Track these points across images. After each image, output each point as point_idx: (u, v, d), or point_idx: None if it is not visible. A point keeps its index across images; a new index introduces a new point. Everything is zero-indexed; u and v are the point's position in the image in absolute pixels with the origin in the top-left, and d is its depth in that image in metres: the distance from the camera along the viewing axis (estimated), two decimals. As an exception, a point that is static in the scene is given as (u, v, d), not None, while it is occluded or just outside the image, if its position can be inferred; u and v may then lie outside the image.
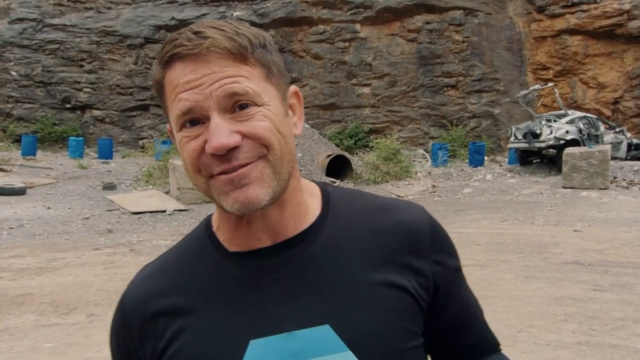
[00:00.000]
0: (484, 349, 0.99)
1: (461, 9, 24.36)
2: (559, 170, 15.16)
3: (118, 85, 25.58)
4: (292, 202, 0.87)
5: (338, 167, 16.06)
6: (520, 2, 24.65)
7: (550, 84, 20.56)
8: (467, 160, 20.10)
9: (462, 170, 18.15)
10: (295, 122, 0.88)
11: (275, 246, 0.86)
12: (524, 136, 17.18)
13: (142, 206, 12.47)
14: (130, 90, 25.65)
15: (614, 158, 16.27)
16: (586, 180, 14.03)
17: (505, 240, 8.35)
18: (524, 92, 19.16)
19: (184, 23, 24.89)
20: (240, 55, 0.79)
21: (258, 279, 0.85)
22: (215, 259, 0.88)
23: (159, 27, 25.34)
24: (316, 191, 0.93)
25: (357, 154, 21.50)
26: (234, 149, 0.77)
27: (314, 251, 0.86)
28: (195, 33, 0.78)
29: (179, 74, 0.78)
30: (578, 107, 22.02)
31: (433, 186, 15.56)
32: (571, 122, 17.18)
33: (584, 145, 15.98)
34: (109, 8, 25.86)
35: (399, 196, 13.68)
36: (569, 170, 14.37)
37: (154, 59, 25.22)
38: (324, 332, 0.81)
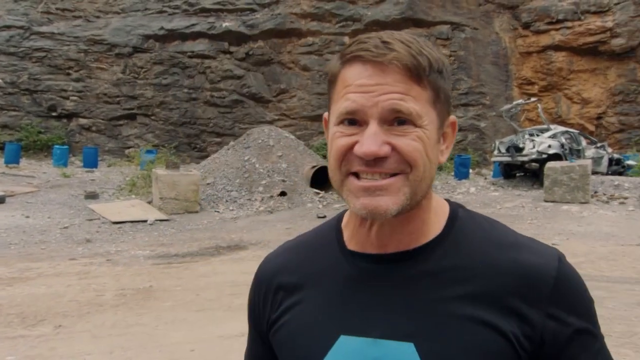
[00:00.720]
0: None
1: (448, 24, 24.59)
2: (541, 184, 15.26)
3: (105, 94, 25.47)
4: (417, 220, 0.89)
5: (323, 178, 16.06)
6: (507, 18, 24.95)
7: (533, 99, 20.77)
8: (452, 173, 20.17)
9: (447, 183, 18.20)
10: (443, 149, 0.90)
11: (387, 255, 0.89)
12: (507, 150, 17.30)
13: (123, 215, 12.38)
14: (118, 99, 25.55)
15: (595, 172, 16.43)
16: (567, 194, 14.12)
17: None
18: (508, 106, 19.33)
19: (172, 33, 24.94)
20: (416, 74, 0.81)
21: (363, 281, 0.89)
22: (335, 252, 0.94)
23: (147, 37, 25.32)
24: (445, 210, 0.93)
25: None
26: (381, 158, 0.80)
27: (419, 271, 0.87)
28: (384, 42, 0.82)
29: (355, 75, 0.83)
30: (563, 122, 22.26)
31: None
32: (553, 136, 17.32)
33: (566, 159, 16.12)
34: (98, 17, 25.80)
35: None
36: (551, 184, 14.46)
37: (142, 68, 25.23)
38: (407, 349, 0.82)
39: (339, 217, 0.98)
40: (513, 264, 0.85)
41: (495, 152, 17.93)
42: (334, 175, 0.85)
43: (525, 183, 17.26)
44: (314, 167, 16.18)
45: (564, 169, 14.36)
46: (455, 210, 0.93)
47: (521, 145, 16.98)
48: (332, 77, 0.87)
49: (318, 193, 15.48)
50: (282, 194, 15.07)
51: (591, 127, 23.14)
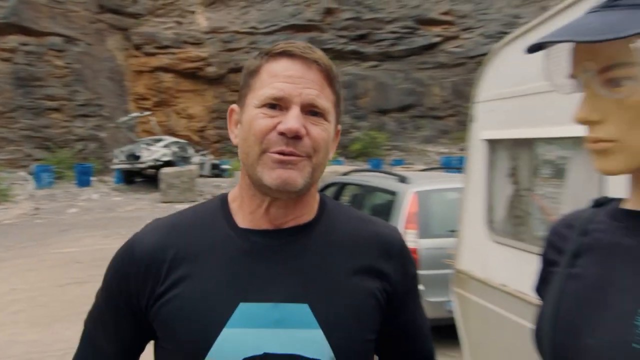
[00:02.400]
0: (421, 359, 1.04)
1: (61, 36, 22.94)
2: (158, 188, 15.77)
3: None
4: (305, 202, 0.92)
5: None
6: (119, 38, 24.86)
7: (147, 113, 21.36)
8: (74, 181, 19.02)
9: (69, 191, 17.09)
10: (333, 147, 0.94)
11: (277, 231, 0.89)
12: (127, 158, 17.37)
13: None
14: None
15: (200, 176, 17.89)
16: (180, 195, 15.14)
17: (107, 255, 7.41)
18: (125, 118, 19.47)
19: None
20: (330, 79, 0.87)
21: (258, 254, 0.87)
22: (224, 230, 0.90)
23: None
24: (316, 196, 0.96)
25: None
26: (297, 139, 0.82)
27: (306, 243, 0.90)
28: (307, 46, 0.86)
29: (284, 67, 0.84)
30: (173, 133, 23.39)
31: (36, 208, 14.15)
32: (166, 146, 18.14)
33: (177, 165, 17.04)
34: None
35: (-1, 221, 12.00)
36: (166, 187, 15.25)
37: None
38: (303, 310, 0.84)
39: (223, 201, 0.94)
40: (374, 235, 0.95)
41: (116, 160, 17.79)
42: (251, 150, 0.84)
43: (144, 187, 17.54)
44: None
45: (176, 174, 15.33)
46: (323, 196, 0.98)
47: (139, 154, 17.25)
48: (255, 68, 0.87)
49: None
50: None
51: (196, 138, 25.09)
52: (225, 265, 0.86)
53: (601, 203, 0.83)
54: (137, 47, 24.89)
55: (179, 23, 25.52)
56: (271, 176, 0.82)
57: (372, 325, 0.90)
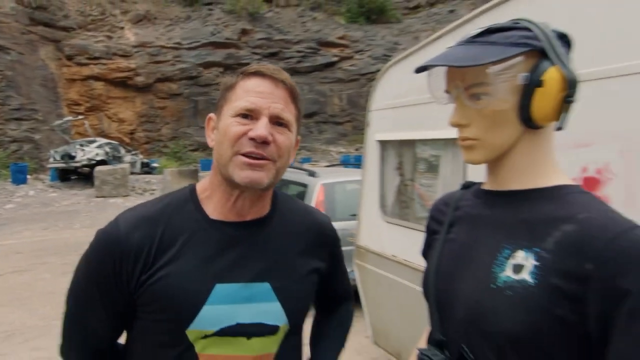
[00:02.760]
0: (341, 299, 1.15)
1: (-8, 45, 20.37)
2: (93, 184, 14.78)
3: None
4: (266, 197, 0.93)
5: None
6: (52, 49, 22.57)
7: (80, 117, 19.91)
8: (10, 180, 17.05)
9: (5, 188, 15.29)
10: (293, 154, 0.94)
11: (244, 223, 0.90)
12: (62, 157, 15.99)
13: None
14: None
15: (132, 173, 17.01)
16: (113, 190, 14.19)
17: (46, 245, 7.52)
18: (59, 122, 17.86)
19: None
20: (293, 96, 0.89)
21: (229, 242, 0.88)
22: (199, 220, 0.89)
23: None
24: (271, 192, 0.96)
25: None
26: (265, 144, 0.83)
27: (267, 232, 0.92)
28: (275, 69, 0.88)
29: (255, 84, 0.85)
30: (106, 135, 21.86)
31: (-29, 206, 12.54)
32: (99, 146, 17.01)
33: (110, 164, 16.09)
34: None
35: None
36: (100, 184, 14.21)
37: None
38: (265, 287, 0.88)
39: (192, 190, 0.93)
40: (315, 224, 0.99)
41: (51, 160, 16.29)
42: (224, 152, 0.84)
43: (80, 184, 16.27)
44: None
45: (109, 172, 14.34)
46: (275, 190, 0.98)
47: (74, 154, 16.01)
48: (232, 84, 0.88)
49: None
50: None
51: (127, 140, 23.56)
52: (203, 251, 0.87)
53: (468, 186, 0.92)
54: (69, 58, 22.74)
55: (109, 37, 23.67)
56: (240, 175, 0.83)
57: (313, 294, 0.98)
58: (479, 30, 0.76)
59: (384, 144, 3.03)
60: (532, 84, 0.72)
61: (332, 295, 1.12)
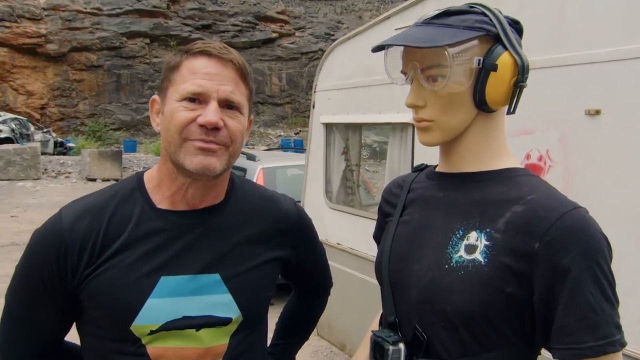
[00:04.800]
0: (317, 290, 1.17)
1: None
2: (-5, 166, 13.56)
3: None
4: (219, 183, 0.91)
5: None
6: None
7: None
8: None
9: None
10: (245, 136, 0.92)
11: (193, 211, 0.89)
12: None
13: None
14: None
15: (44, 153, 15.80)
16: (21, 172, 13.11)
17: None
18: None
19: None
20: (244, 76, 0.86)
21: (176, 232, 0.87)
22: (145, 211, 0.87)
23: None
24: (227, 177, 0.94)
25: None
26: (216, 130, 0.82)
27: (218, 221, 0.90)
28: (224, 47, 0.86)
29: (202, 65, 0.83)
30: (12, 110, 20.08)
31: None
32: (4, 122, 15.64)
33: (18, 142, 14.86)
34: None
35: None
36: (5, 165, 13.05)
37: None
38: (215, 279, 0.87)
39: (139, 181, 0.90)
40: (274, 211, 0.98)
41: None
42: (172, 139, 0.82)
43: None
44: None
45: (16, 151, 13.21)
46: (232, 176, 0.97)
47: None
48: (176, 64, 0.85)
49: None
50: None
51: (37, 115, 21.83)
52: (148, 243, 0.86)
53: (421, 168, 0.96)
54: (-37, 18, 20.52)
55: (14, -4, 21.59)
56: (192, 162, 0.82)
57: (271, 285, 0.96)
58: (436, 12, 0.79)
59: (329, 126, 3.05)
60: (486, 68, 0.76)
61: (304, 288, 1.16)
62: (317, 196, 3.11)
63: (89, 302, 0.85)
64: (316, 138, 3.11)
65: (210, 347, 0.87)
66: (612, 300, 0.69)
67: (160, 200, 0.89)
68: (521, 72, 0.77)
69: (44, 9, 21.95)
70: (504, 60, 0.76)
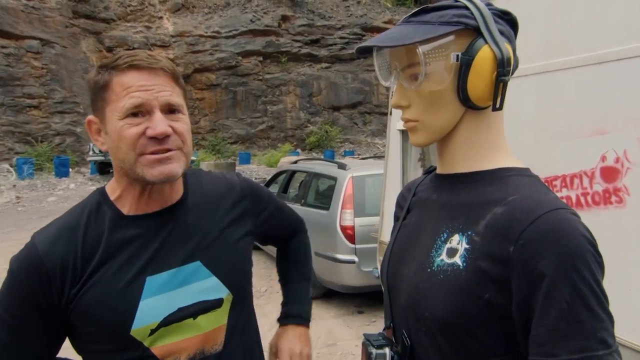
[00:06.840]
0: (292, 233, 1.25)
1: (37, 39, 21.84)
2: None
3: None
4: (178, 182, 0.96)
5: None
6: (92, 41, 23.87)
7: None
8: (53, 173, 18.30)
9: (48, 181, 16.45)
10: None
11: (160, 211, 0.93)
12: (100, 150, 16.85)
13: None
14: None
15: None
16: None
17: None
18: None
19: None
20: (176, 78, 0.89)
21: (149, 234, 0.90)
22: (114, 221, 0.90)
23: None
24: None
25: None
26: (166, 137, 0.84)
27: (184, 214, 0.95)
28: (150, 55, 0.86)
29: (134, 79, 0.84)
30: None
31: (17, 197, 13.58)
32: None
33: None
34: None
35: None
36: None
37: None
38: (197, 266, 0.92)
39: (103, 195, 0.94)
40: (225, 186, 1.04)
41: (90, 153, 17.30)
42: (125, 157, 0.84)
43: (119, 177, 17.10)
44: None
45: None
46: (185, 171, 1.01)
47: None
48: (105, 84, 0.86)
49: None
50: None
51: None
52: (126, 250, 0.88)
53: (430, 171, 0.94)
54: (109, 50, 23.92)
55: (148, 27, 24.72)
56: (153, 173, 0.85)
57: (248, 257, 1.03)
58: (416, 10, 0.77)
59: (405, 133, 3.07)
60: (463, 63, 0.72)
61: (282, 241, 1.24)
62: (394, 204, 3.13)
63: (81, 320, 0.86)
64: (393, 145, 3.13)
65: (210, 331, 0.91)
66: (595, 311, 0.62)
67: (128, 208, 0.91)
68: (501, 65, 0.72)
69: (172, 36, 24.78)
70: (483, 54, 0.72)
